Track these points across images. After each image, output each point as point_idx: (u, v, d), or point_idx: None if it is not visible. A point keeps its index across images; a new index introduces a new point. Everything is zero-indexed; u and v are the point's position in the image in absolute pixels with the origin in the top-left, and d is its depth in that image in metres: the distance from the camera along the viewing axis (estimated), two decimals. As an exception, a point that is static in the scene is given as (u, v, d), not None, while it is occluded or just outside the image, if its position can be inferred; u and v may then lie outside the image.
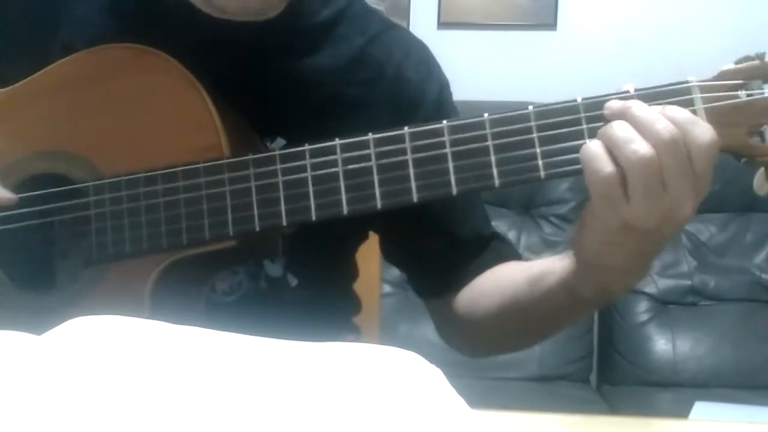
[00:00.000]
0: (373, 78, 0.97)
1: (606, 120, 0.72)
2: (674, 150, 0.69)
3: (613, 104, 0.72)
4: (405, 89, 0.98)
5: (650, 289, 2.53)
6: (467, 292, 0.99)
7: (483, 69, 2.63)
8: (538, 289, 0.87)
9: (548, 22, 2.69)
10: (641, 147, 0.68)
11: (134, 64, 0.86)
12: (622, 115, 0.71)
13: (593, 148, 0.70)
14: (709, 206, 2.58)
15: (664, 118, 0.69)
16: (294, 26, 0.95)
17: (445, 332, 1.04)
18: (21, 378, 0.43)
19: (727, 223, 2.59)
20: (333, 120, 0.85)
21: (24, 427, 0.40)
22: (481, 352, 1.12)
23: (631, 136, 0.69)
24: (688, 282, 2.53)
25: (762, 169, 0.75)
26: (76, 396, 0.41)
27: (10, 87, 0.90)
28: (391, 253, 1.05)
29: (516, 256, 1.01)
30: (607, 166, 0.69)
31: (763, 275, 2.53)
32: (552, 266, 0.86)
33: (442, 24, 2.69)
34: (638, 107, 0.70)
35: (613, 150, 0.69)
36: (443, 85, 1.01)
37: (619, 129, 0.70)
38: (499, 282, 0.96)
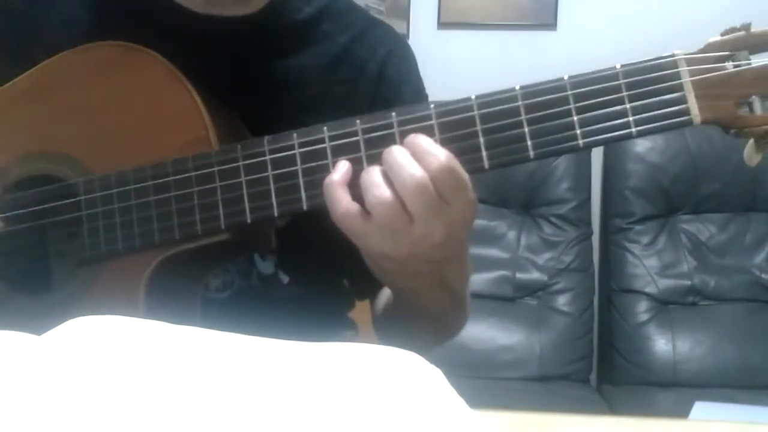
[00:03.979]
0: (356, 76, 0.97)
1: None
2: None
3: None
4: (384, 87, 0.98)
5: (650, 289, 2.53)
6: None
7: (483, 69, 2.63)
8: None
9: (548, 22, 2.69)
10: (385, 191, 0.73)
11: (120, 62, 0.86)
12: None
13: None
14: (709, 206, 2.58)
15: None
16: (276, 24, 0.95)
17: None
18: (21, 378, 0.43)
19: (727, 223, 2.58)
20: (317, 119, 0.86)
21: (24, 427, 0.40)
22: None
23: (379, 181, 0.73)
24: (688, 282, 2.53)
25: (752, 141, 0.74)
26: (76, 396, 0.41)
27: None
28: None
29: None
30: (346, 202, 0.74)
31: (763, 275, 2.53)
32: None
33: (442, 24, 2.69)
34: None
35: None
36: (420, 89, 1.02)
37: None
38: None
